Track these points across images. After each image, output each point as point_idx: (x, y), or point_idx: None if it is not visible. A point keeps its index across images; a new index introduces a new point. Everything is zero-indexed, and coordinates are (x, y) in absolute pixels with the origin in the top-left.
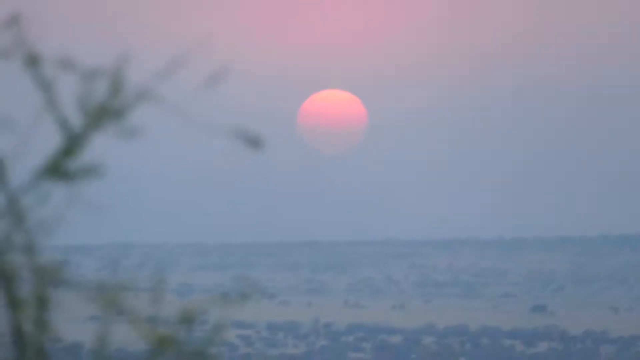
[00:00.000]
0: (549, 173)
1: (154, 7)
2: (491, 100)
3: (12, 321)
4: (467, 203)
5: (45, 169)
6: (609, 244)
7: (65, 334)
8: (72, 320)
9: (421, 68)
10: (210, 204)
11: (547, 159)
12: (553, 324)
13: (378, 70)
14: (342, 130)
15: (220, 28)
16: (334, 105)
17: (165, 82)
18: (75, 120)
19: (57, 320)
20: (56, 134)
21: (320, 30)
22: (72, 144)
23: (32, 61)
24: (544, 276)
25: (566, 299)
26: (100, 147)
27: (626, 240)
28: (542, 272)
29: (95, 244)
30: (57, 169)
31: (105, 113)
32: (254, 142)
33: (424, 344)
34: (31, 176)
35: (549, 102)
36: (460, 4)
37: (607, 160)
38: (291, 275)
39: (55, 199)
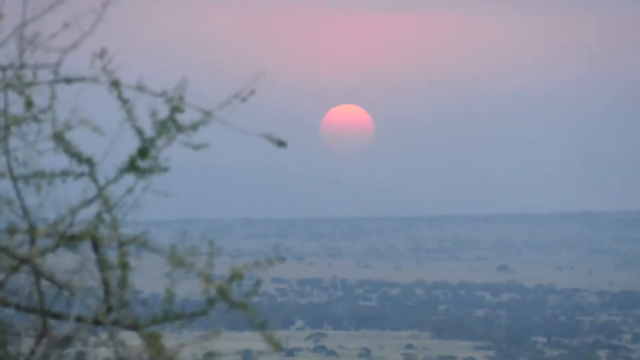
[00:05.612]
0: (502, 157)
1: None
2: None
3: (103, 278)
4: (451, 185)
5: (126, 165)
6: (557, 219)
7: (146, 287)
8: (151, 276)
9: (419, 83)
10: (256, 189)
11: (511, 144)
12: (513, 279)
13: (383, 87)
14: (353, 134)
15: (258, 54)
16: (347, 116)
17: (218, 96)
18: (148, 129)
19: (141, 276)
20: (134, 139)
21: (339, 58)
22: (145, 148)
23: (114, 85)
24: (507, 243)
25: (523, 260)
26: (176, 146)
27: (573, 216)
28: (506, 240)
29: (170, 219)
30: (136, 166)
31: (169, 125)
32: (280, 143)
33: (416, 294)
34: (116, 171)
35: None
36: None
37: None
38: (315, 243)
39: (137, 186)
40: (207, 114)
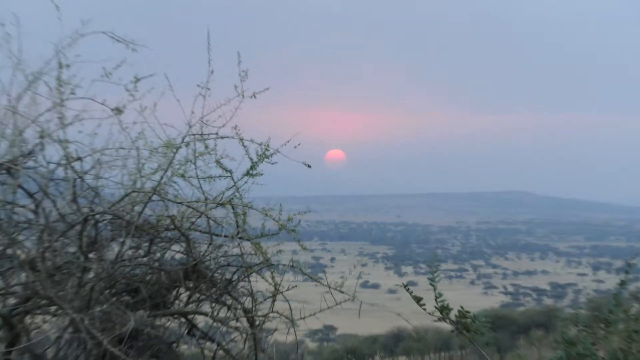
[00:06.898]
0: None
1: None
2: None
3: (235, 220)
4: (381, 180)
5: (245, 172)
6: (427, 195)
7: (252, 223)
8: (255, 219)
9: (369, 139)
10: (295, 182)
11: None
12: (404, 221)
13: (351, 141)
14: (335, 163)
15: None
16: (336, 154)
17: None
18: (254, 157)
19: (251, 219)
20: (248, 162)
21: (335, 129)
22: (253, 165)
23: (240, 140)
24: (403, 207)
25: (412, 213)
26: (263, 165)
27: (436, 194)
28: (404, 205)
29: (261, 196)
30: (250, 173)
31: (263, 156)
32: (308, 165)
33: (363, 227)
34: (240, 174)
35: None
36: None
37: None
38: (323, 206)
39: (250, 182)
40: (278, 151)
